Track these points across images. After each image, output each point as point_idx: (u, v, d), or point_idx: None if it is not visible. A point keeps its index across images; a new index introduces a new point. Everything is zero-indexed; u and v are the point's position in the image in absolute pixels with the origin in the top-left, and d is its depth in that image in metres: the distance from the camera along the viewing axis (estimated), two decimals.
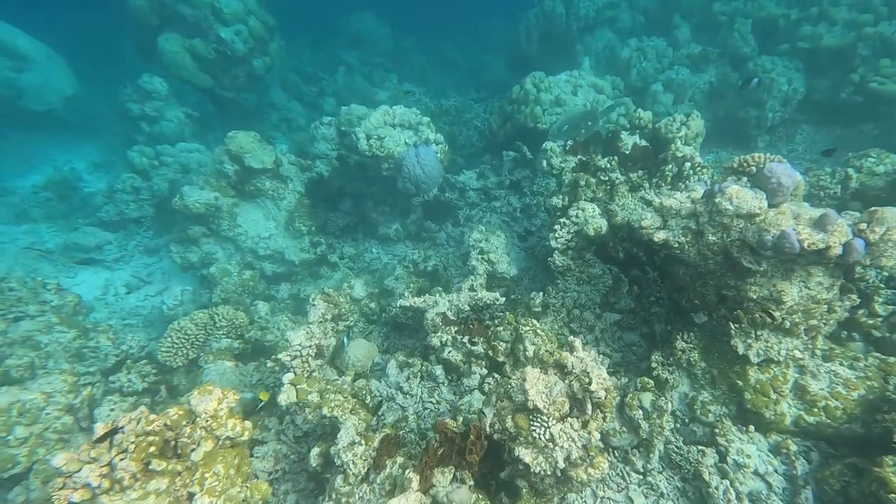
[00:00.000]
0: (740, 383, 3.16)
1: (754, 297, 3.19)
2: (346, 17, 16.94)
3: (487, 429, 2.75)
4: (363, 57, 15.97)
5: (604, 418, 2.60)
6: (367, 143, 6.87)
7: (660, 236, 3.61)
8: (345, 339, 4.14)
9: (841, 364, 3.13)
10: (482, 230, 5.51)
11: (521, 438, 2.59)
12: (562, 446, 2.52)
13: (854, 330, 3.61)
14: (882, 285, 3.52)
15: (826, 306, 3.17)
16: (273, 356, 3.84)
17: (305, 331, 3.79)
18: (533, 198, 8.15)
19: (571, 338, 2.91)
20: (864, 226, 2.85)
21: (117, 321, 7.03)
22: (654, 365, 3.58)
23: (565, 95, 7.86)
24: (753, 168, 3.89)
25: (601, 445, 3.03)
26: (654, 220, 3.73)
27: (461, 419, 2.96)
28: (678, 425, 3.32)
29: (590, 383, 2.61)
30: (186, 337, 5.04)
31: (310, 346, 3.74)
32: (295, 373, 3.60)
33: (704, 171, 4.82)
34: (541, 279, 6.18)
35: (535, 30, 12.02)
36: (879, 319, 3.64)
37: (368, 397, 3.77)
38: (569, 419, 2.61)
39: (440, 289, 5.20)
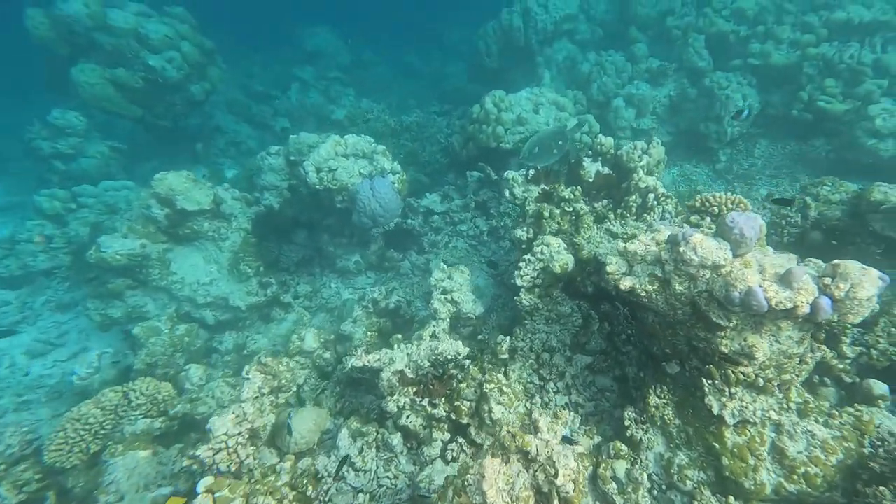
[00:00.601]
0: (717, 446, 3.01)
1: (726, 350, 3.06)
2: (298, 32, 16.37)
3: None
4: (318, 72, 15.44)
5: None
6: (318, 177, 6.47)
7: (626, 284, 3.44)
8: (289, 422, 3.73)
9: (816, 421, 3.03)
10: (443, 268, 5.23)
11: None
12: None
13: (825, 374, 3.57)
14: (848, 326, 3.49)
15: (798, 359, 3.08)
16: (189, 453, 3.33)
17: (234, 415, 3.37)
18: (500, 219, 7.98)
19: (535, 415, 2.67)
20: (828, 281, 2.76)
21: (10, 399, 6.01)
22: (627, 423, 3.40)
23: (527, 114, 7.74)
24: (715, 208, 3.82)
25: None
26: (620, 266, 3.56)
27: None
28: (655, 492, 3.13)
29: (556, 475, 2.36)
30: (87, 427, 4.26)
31: (239, 434, 3.32)
32: (216, 473, 3.16)
33: (668, 200, 4.74)
34: (510, 307, 5.96)
35: (493, 43, 11.95)
36: (848, 362, 3.62)
37: (311, 487, 3.38)
38: None
39: (399, 336, 4.88)
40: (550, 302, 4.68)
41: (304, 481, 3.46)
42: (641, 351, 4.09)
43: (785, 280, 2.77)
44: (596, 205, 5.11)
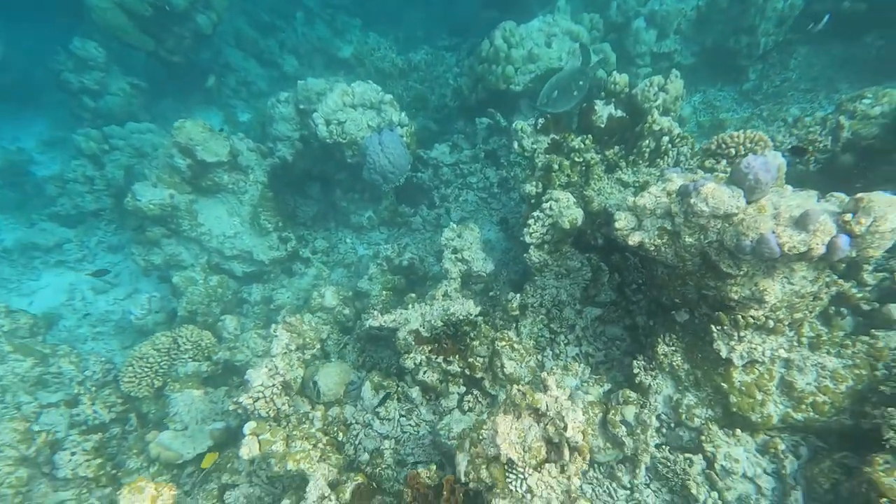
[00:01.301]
0: (725, 386, 3.12)
1: (736, 297, 3.05)
2: None
3: (462, 478, 2.73)
4: None
5: (583, 461, 2.57)
6: (327, 130, 6.38)
7: (635, 239, 3.39)
8: (315, 378, 4.06)
9: (828, 353, 3.05)
10: (453, 227, 5.25)
11: (497, 490, 2.59)
12: (540, 496, 2.51)
13: (842, 304, 3.51)
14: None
15: (812, 297, 3.04)
16: (234, 399, 3.77)
17: (267, 368, 3.70)
18: (510, 169, 7.76)
19: (544, 374, 2.82)
20: (848, 217, 2.62)
21: (87, 329, 6.90)
22: (636, 371, 3.53)
23: (538, 49, 7.17)
24: (732, 150, 3.59)
25: (582, 490, 3.06)
26: (629, 221, 3.48)
27: (433, 468, 2.95)
28: (664, 430, 3.33)
29: (565, 428, 2.55)
30: (149, 365, 4.93)
31: (273, 386, 3.68)
32: (258, 418, 3.56)
33: (684, 141, 4.47)
34: (521, 261, 6.02)
35: None
36: (868, 289, 3.53)
37: (341, 434, 3.76)
38: (546, 466, 2.58)
39: (413, 295, 5.07)
40: (560, 257, 4.67)
41: (335, 428, 3.88)
42: (651, 300, 4.12)
43: (800, 223, 2.66)
44: (607, 153, 4.87)
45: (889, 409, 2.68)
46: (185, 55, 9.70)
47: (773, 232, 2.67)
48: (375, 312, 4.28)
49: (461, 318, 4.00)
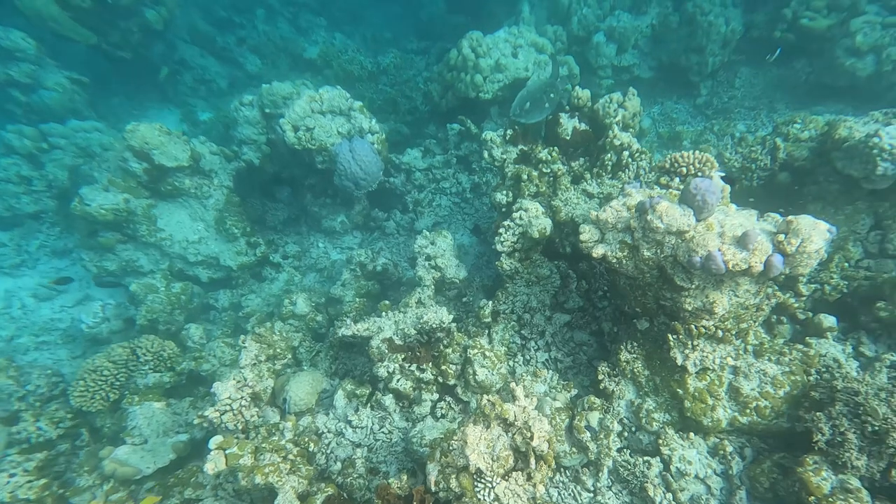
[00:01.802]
0: (680, 391, 3.38)
1: (689, 308, 3.31)
2: None
3: (432, 486, 2.82)
4: None
5: (548, 468, 2.72)
6: (295, 136, 6.26)
7: (598, 252, 3.60)
8: (287, 393, 4.02)
9: (769, 360, 3.38)
10: (426, 235, 5.32)
11: (466, 499, 2.69)
12: None
13: (782, 313, 3.89)
14: None
15: (755, 308, 3.35)
16: (200, 412, 3.66)
17: (235, 380, 3.64)
18: (482, 175, 7.92)
19: (513, 385, 2.95)
20: (782, 237, 2.93)
21: (29, 338, 6.40)
22: (601, 377, 3.75)
23: (505, 59, 7.35)
24: (683, 168, 3.88)
25: (548, 498, 3.23)
26: (593, 234, 3.69)
27: (405, 478, 3.02)
28: (626, 434, 3.56)
29: (532, 438, 2.68)
30: (103, 378, 4.66)
31: (241, 398, 3.62)
32: (225, 432, 3.50)
33: (643, 156, 4.76)
34: (494, 266, 6.20)
35: None
36: (803, 299, 3.93)
37: (312, 444, 3.75)
38: (513, 474, 2.71)
39: (387, 302, 5.10)
40: (530, 265, 4.86)
41: (306, 438, 3.86)
42: (615, 308, 4.37)
43: (742, 242, 2.94)
44: (573, 164, 5.11)
45: (818, 413, 3.01)
46: (133, 50, 9.14)
47: (719, 250, 2.94)
48: (348, 321, 4.29)
49: (434, 325, 4.09)
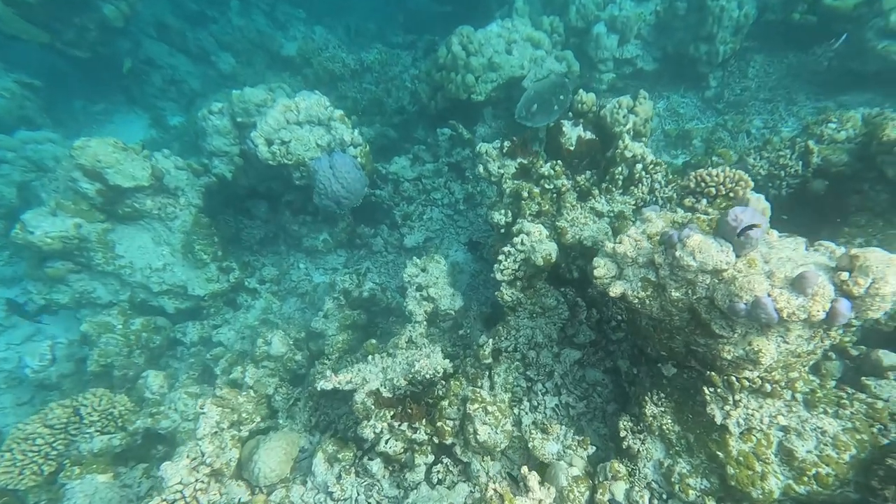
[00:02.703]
0: (721, 455, 2.90)
1: (728, 357, 2.81)
2: None
3: None
4: None
5: None
6: (269, 151, 5.68)
7: (616, 290, 3.08)
8: (256, 464, 3.48)
9: (825, 413, 2.89)
10: (416, 262, 4.80)
11: None
12: None
13: (831, 349, 3.40)
14: None
15: (807, 355, 2.85)
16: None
17: (189, 458, 3.12)
18: (476, 184, 7.39)
19: (524, 470, 2.45)
20: (845, 276, 2.42)
21: None
22: (623, 433, 3.26)
23: (499, 56, 6.79)
24: (712, 189, 3.36)
25: None
26: (609, 269, 3.17)
27: None
28: (656, 502, 3.07)
29: None
30: (36, 448, 4.00)
31: (196, 481, 3.11)
32: None
33: (657, 168, 4.23)
34: (492, 286, 5.68)
35: None
36: (854, 330, 3.43)
37: None
38: None
39: (374, 342, 4.59)
40: (534, 294, 4.35)
41: None
42: (633, 344, 3.87)
43: (797, 285, 2.43)
44: (578, 178, 4.58)
45: None
46: (91, 49, 8.45)
47: (769, 295, 2.43)
48: (329, 373, 3.77)
49: (428, 376, 3.58)
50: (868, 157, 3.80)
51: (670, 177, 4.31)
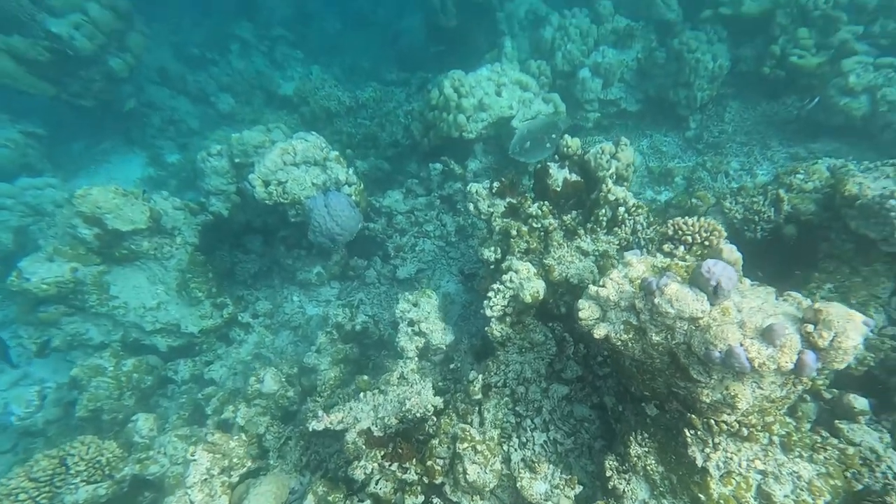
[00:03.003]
0: (703, 497, 2.98)
1: (707, 400, 2.94)
2: None
3: None
4: (259, 30, 13.67)
5: None
6: (266, 191, 5.83)
7: (600, 332, 3.23)
8: None
9: (800, 457, 3.01)
10: (408, 298, 4.91)
11: None
12: None
13: (805, 391, 3.55)
14: None
15: (781, 400, 3.00)
16: None
17: None
18: (467, 216, 7.60)
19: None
20: (811, 328, 2.60)
21: None
22: (608, 472, 3.33)
23: (489, 98, 7.14)
24: (688, 237, 3.58)
25: None
26: (593, 311, 3.33)
27: None
28: None
29: None
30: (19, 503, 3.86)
31: None
32: None
33: (639, 210, 4.47)
34: (483, 317, 5.78)
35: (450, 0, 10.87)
36: (826, 373, 3.60)
37: None
38: None
39: (365, 378, 4.63)
40: (523, 329, 4.48)
41: None
42: (618, 381, 3.99)
43: (767, 335, 2.60)
44: (565, 218, 4.80)
45: None
46: (95, 98, 8.77)
47: (742, 345, 2.59)
48: (321, 413, 3.80)
49: (419, 415, 3.63)
50: (834, 208, 4.08)
51: (651, 219, 4.54)
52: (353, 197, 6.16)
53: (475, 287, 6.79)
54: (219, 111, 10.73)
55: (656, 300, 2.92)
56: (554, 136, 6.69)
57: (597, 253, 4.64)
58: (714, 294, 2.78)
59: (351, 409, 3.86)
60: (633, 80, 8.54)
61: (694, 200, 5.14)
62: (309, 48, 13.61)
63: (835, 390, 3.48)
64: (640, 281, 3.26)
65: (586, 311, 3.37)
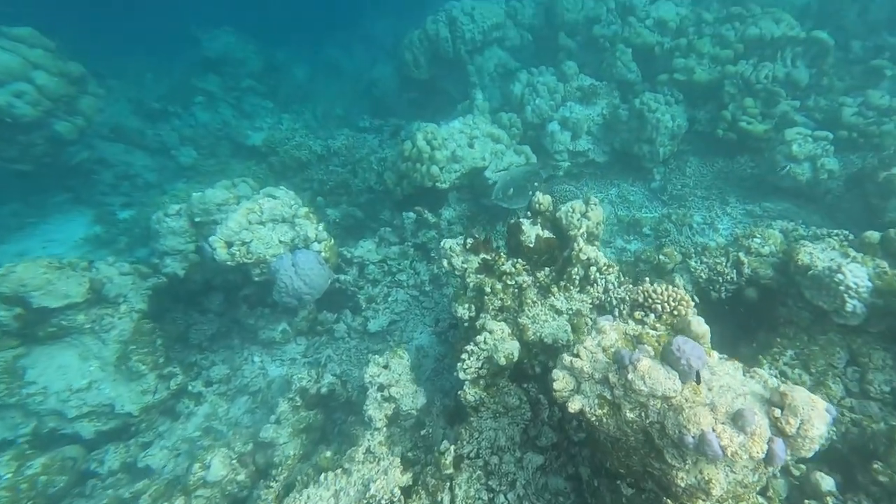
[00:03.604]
0: None
1: (682, 484, 2.88)
2: (194, 35, 14.16)
3: None
4: (226, 82, 13.69)
5: None
6: (228, 253, 5.56)
7: (575, 406, 3.17)
8: None
9: None
10: (378, 361, 4.73)
11: None
12: None
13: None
14: None
15: (754, 484, 2.97)
16: None
17: None
18: (441, 264, 7.57)
19: None
20: (778, 413, 2.64)
21: None
22: None
23: (462, 151, 7.32)
24: (658, 306, 3.65)
25: None
26: (567, 382, 3.28)
27: None
28: None
29: None
30: None
31: None
32: None
33: (610, 269, 4.57)
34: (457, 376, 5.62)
35: (421, 54, 11.35)
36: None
37: None
38: None
39: (328, 454, 4.32)
40: (497, 393, 4.37)
41: None
42: (595, 456, 3.89)
43: (737, 421, 2.61)
44: (539, 275, 4.84)
45: None
46: (36, 161, 8.39)
47: (714, 430, 2.58)
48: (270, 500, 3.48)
49: (384, 502, 3.38)
50: (789, 274, 4.30)
51: (622, 279, 4.63)
52: (323, 253, 6.00)
53: (449, 339, 6.68)
54: (180, 164, 10.39)
55: (630, 376, 2.90)
56: (536, 183, 6.93)
57: (570, 311, 4.66)
58: (685, 374, 2.80)
59: (308, 498, 3.55)
60: (599, 133, 9.02)
61: (662, 257, 5.31)
62: (279, 98, 13.69)
63: (802, 466, 3.50)
64: (613, 351, 3.26)
65: (561, 382, 3.31)
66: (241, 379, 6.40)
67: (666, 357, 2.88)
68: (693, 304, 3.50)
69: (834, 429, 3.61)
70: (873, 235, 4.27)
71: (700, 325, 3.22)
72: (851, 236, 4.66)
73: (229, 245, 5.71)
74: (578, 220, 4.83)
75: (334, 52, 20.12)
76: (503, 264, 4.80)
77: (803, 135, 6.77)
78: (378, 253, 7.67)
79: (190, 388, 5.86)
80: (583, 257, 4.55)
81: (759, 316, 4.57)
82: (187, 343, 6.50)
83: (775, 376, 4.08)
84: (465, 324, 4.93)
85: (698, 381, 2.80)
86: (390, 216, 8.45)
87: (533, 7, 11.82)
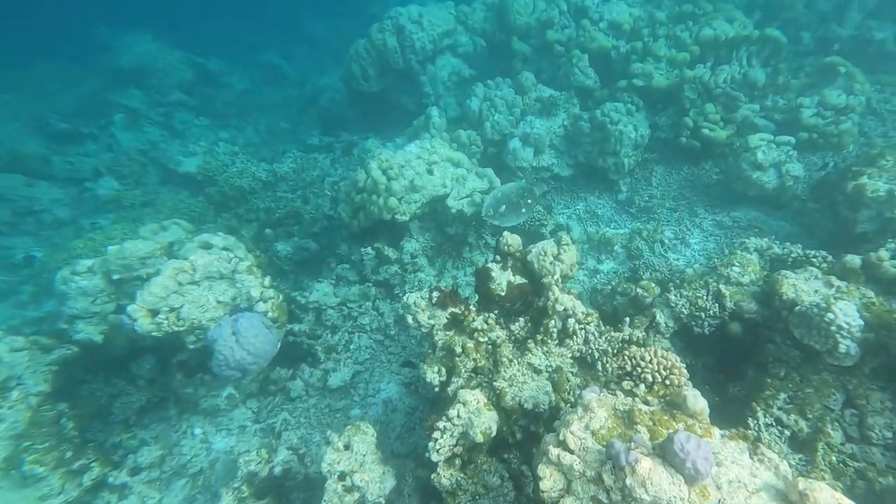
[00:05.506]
0: None
1: None
2: (106, 40, 12.55)
3: None
4: (151, 96, 12.37)
5: None
6: (153, 322, 4.81)
7: None
8: None
9: None
10: (337, 445, 4.18)
11: None
12: None
13: None
14: None
15: None
16: None
17: None
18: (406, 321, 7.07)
19: None
20: None
21: None
22: None
23: (421, 179, 6.84)
24: (648, 376, 3.33)
25: None
26: (556, 481, 2.90)
27: None
28: None
29: None
30: None
31: None
32: None
33: (590, 319, 4.24)
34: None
35: (369, 66, 10.77)
36: None
37: None
38: None
39: None
40: (475, 472, 3.95)
41: None
42: None
43: None
44: (513, 327, 4.46)
45: None
46: None
47: None
48: None
49: None
50: (774, 308, 4.12)
51: (603, 328, 4.33)
52: (270, 314, 5.35)
53: (420, 391, 6.20)
54: (98, 197, 9.24)
55: (628, 481, 2.54)
56: (530, 200, 6.58)
57: (550, 369, 4.30)
58: (692, 478, 2.47)
59: None
60: (562, 145, 8.78)
61: (640, 291, 5.06)
62: (215, 112, 12.58)
63: None
64: (604, 439, 2.90)
65: (548, 481, 2.93)
66: (179, 458, 5.64)
67: (667, 455, 2.54)
68: (686, 375, 3.21)
69: (838, 483, 3.43)
70: (854, 260, 4.17)
71: (697, 402, 2.92)
72: (830, 257, 4.58)
73: (154, 313, 4.97)
74: (551, 264, 4.48)
75: (273, 56, 19.01)
76: (473, 320, 4.38)
77: (766, 141, 6.77)
78: (336, 295, 7.08)
79: (110, 479, 5.05)
80: (559, 308, 4.20)
81: (745, 352, 4.38)
82: (110, 420, 5.64)
83: (772, 425, 3.90)
84: (436, 389, 4.47)
85: (694, 476, 2.47)
86: (348, 249, 7.85)
87: (483, 10, 11.50)
